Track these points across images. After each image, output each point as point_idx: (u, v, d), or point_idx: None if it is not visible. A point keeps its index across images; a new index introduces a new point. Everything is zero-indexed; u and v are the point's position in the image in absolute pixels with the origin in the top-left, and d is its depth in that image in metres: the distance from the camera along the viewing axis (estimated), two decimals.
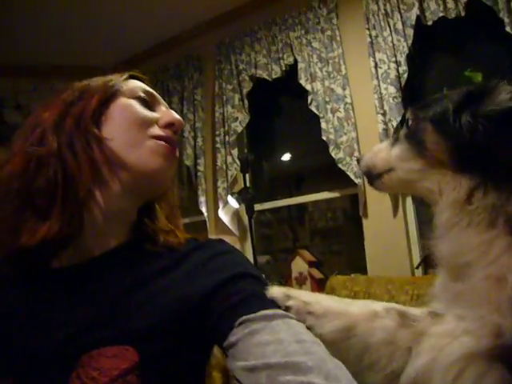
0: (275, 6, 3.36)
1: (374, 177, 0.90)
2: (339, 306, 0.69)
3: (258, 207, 3.29)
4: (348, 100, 2.92)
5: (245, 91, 3.40)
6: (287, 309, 0.66)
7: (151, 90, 0.80)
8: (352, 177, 2.82)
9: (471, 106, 0.72)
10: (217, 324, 0.65)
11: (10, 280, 0.72)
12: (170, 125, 0.76)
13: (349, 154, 2.85)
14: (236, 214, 3.42)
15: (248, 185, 2.88)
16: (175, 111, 0.81)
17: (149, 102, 0.78)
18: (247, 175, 2.88)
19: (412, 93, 2.79)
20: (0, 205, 0.69)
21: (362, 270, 2.91)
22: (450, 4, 2.63)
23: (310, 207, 3.80)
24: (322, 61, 3.07)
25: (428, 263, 2.58)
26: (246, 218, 3.23)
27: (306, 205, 3.70)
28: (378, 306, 0.69)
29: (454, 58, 2.85)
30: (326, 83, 3.01)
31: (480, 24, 2.70)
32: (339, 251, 3.74)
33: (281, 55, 3.27)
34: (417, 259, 2.71)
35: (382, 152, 0.89)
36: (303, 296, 0.70)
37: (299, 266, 3.05)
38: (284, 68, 3.24)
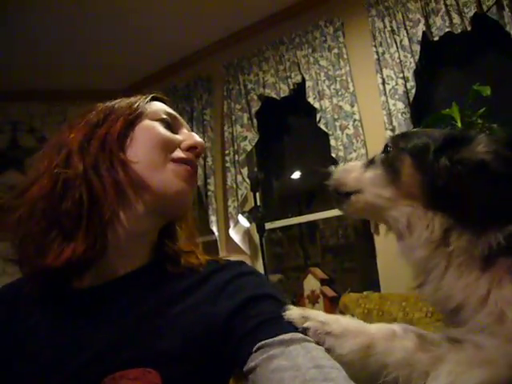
0: (282, 26, 3.41)
1: (340, 196, 0.88)
2: (357, 326, 0.68)
3: (268, 226, 3.28)
4: (356, 117, 2.93)
5: (253, 110, 3.43)
6: (305, 330, 0.65)
7: (173, 112, 0.81)
8: None
9: (450, 149, 0.74)
10: (237, 348, 0.64)
11: (32, 299, 0.72)
12: (192, 148, 0.77)
13: None
14: (247, 233, 3.42)
15: (258, 203, 2.88)
16: None
17: (171, 124, 0.78)
18: (257, 194, 2.89)
19: (420, 108, 2.79)
20: (26, 225, 0.69)
21: (375, 287, 2.87)
22: (456, 19, 2.65)
23: (321, 224, 3.78)
24: (329, 78, 3.09)
25: None
26: (256, 237, 3.21)
27: (316, 222, 3.69)
28: (397, 326, 0.68)
29: (462, 73, 2.85)
30: (334, 101, 3.03)
31: (487, 38, 2.71)
32: (351, 268, 3.70)
33: (288, 74, 3.30)
34: None
35: (354, 171, 0.88)
36: (320, 316, 0.68)
37: (311, 284, 3.02)
38: (292, 87, 3.27)
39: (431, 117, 2.41)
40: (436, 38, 2.74)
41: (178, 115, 0.81)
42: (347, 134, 2.93)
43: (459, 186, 0.70)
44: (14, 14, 3.14)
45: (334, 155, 2.96)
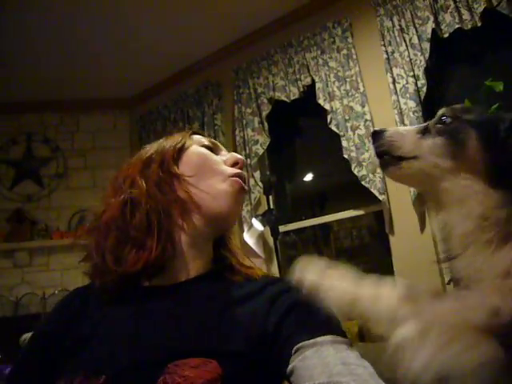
0: (290, 29, 3.42)
1: (390, 160, 0.83)
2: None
3: (282, 228, 3.28)
4: (368, 117, 2.92)
5: (264, 114, 3.43)
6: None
7: (213, 139, 0.94)
8: (376, 193, 2.79)
9: None
10: (281, 353, 0.70)
11: (104, 301, 0.81)
12: (235, 164, 0.89)
13: (371, 171, 2.83)
14: (261, 237, 3.41)
15: (272, 206, 2.88)
16: None
17: (213, 149, 0.91)
18: (270, 197, 2.88)
19: (432, 106, 2.77)
20: (104, 242, 0.80)
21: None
22: (466, 15, 2.62)
23: (335, 226, 3.77)
24: (339, 79, 3.08)
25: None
26: (271, 240, 3.21)
27: (330, 224, 3.68)
28: (386, 288, 0.71)
29: (474, 69, 2.82)
30: (345, 101, 3.02)
31: (497, 33, 2.67)
32: (367, 270, 3.65)
33: (298, 76, 3.30)
34: (448, 274, 2.64)
35: (410, 136, 0.84)
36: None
37: None
38: (302, 89, 3.27)
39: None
40: (446, 35, 2.71)
41: (217, 142, 0.95)
42: (359, 135, 2.92)
43: None
44: (25, 21, 3.19)
45: (346, 156, 2.94)
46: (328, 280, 0.73)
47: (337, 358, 0.64)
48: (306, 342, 0.67)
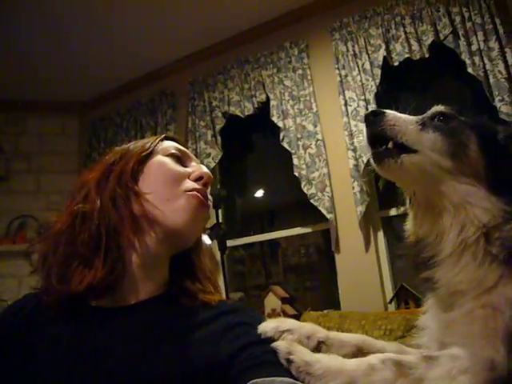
0: (248, 46, 3.46)
1: (387, 151, 0.74)
2: (338, 364, 0.66)
3: (230, 243, 3.25)
4: (319, 136, 2.98)
5: (217, 127, 3.43)
6: (289, 362, 0.66)
7: (183, 148, 0.88)
8: (324, 212, 2.84)
9: None
10: None
11: (50, 312, 0.76)
12: (199, 178, 0.84)
13: (320, 190, 2.87)
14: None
15: (220, 221, 2.85)
16: None
17: (181, 158, 0.86)
18: (219, 211, 2.86)
19: None
20: (51, 257, 0.76)
21: (336, 305, 2.88)
22: (415, 46, 2.76)
23: (284, 244, 3.79)
24: (293, 98, 3.13)
25: (400, 297, 2.57)
26: (218, 254, 3.18)
27: (279, 241, 3.69)
28: (373, 358, 0.67)
29: (420, 97, 2.96)
30: (298, 120, 3.07)
31: (444, 65, 2.82)
32: (313, 287, 3.71)
33: (253, 93, 3.33)
34: (389, 294, 2.71)
35: (411, 124, 0.75)
36: (305, 355, 0.67)
37: (272, 302, 3.01)
38: (256, 105, 3.31)
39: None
40: (396, 64, 2.84)
41: (187, 150, 0.89)
42: (310, 154, 2.97)
43: None
44: None
45: (296, 174, 2.98)
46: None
47: None
48: (262, 379, 0.63)
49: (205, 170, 0.85)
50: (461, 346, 0.63)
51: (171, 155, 0.84)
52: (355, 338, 0.74)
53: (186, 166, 0.85)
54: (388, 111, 0.77)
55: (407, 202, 0.82)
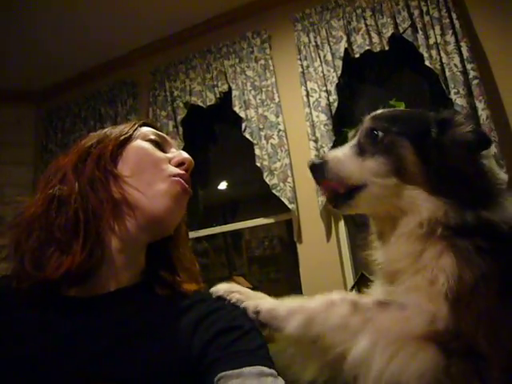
0: (210, 35, 3.42)
1: (341, 198, 0.81)
2: (300, 303, 0.74)
3: (192, 234, 3.23)
4: (281, 127, 2.98)
5: (179, 118, 3.38)
6: (256, 314, 0.73)
7: (162, 134, 0.88)
8: (286, 202, 2.84)
9: (449, 131, 0.77)
10: (204, 376, 0.67)
11: (21, 304, 0.74)
12: (181, 164, 0.83)
13: (282, 180, 2.88)
14: None
15: None
16: None
17: (161, 144, 0.85)
18: None
19: (342, 120, 2.89)
20: (24, 243, 0.73)
21: (297, 295, 2.89)
22: (375, 39, 2.79)
23: (247, 235, 3.79)
24: (255, 89, 3.12)
25: (361, 285, 2.61)
26: None
27: (242, 232, 3.68)
28: (335, 295, 0.73)
29: (380, 89, 3.01)
30: (260, 111, 3.06)
31: (403, 57, 2.87)
32: (276, 278, 3.73)
33: (215, 83, 3.29)
34: (350, 282, 2.75)
35: (351, 161, 0.81)
36: (270, 303, 0.75)
37: None
38: (218, 95, 3.27)
39: (351, 129, 2.50)
40: (357, 55, 2.86)
41: (166, 136, 0.88)
42: (272, 144, 2.97)
43: (461, 166, 0.74)
44: None
45: (258, 164, 2.98)
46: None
47: None
48: (231, 371, 0.64)
49: (186, 155, 0.85)
50: (413, 297, 0.69)
51: (150, 140, 0.83)
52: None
53: (165, 152, 0.84)
54: (329, 157, 0.83)
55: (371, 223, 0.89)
